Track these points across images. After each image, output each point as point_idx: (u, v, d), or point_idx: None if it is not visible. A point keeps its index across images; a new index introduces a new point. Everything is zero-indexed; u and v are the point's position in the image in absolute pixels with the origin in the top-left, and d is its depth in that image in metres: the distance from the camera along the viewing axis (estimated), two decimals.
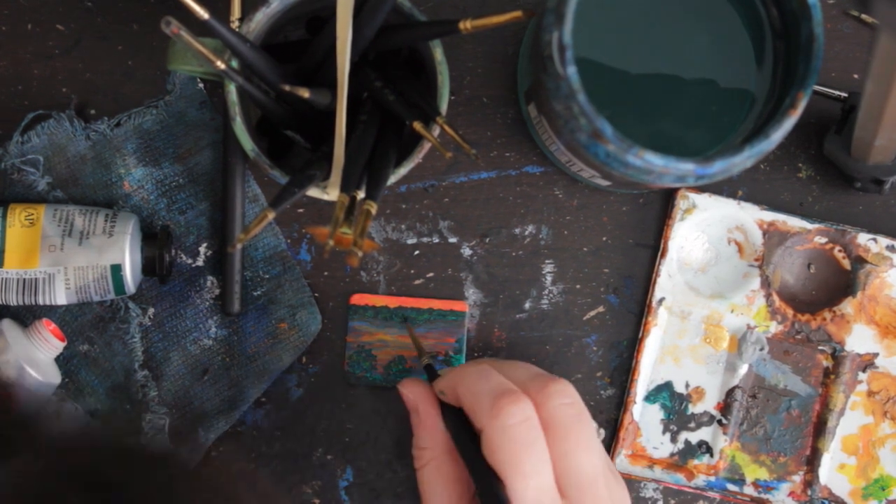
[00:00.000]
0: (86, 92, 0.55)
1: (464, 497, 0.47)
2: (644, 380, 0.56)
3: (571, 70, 0.43)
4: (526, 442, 0.44)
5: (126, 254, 0.51)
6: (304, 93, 0.44)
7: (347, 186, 0.44)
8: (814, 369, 0.56)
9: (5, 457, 0.32)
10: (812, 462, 0.56)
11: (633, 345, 0.56)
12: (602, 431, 0.47)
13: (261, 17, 0.47)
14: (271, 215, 0.42)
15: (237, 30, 0.49)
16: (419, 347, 0.53)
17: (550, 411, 0.45)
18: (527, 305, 0.56)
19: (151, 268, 0.52)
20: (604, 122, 0.43)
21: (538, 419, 0.44)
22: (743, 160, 0.44)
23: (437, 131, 0.47)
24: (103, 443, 0.40)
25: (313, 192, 0.47)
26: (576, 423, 0.45)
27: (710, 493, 0.56)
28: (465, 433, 0.47)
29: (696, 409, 0.56)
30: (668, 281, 0.55)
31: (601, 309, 0.56)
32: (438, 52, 0.47)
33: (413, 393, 0.50)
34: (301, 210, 0.56)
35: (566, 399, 0.45)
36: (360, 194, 0.46)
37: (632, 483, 0.56)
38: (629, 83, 0.47)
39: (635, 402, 0.55)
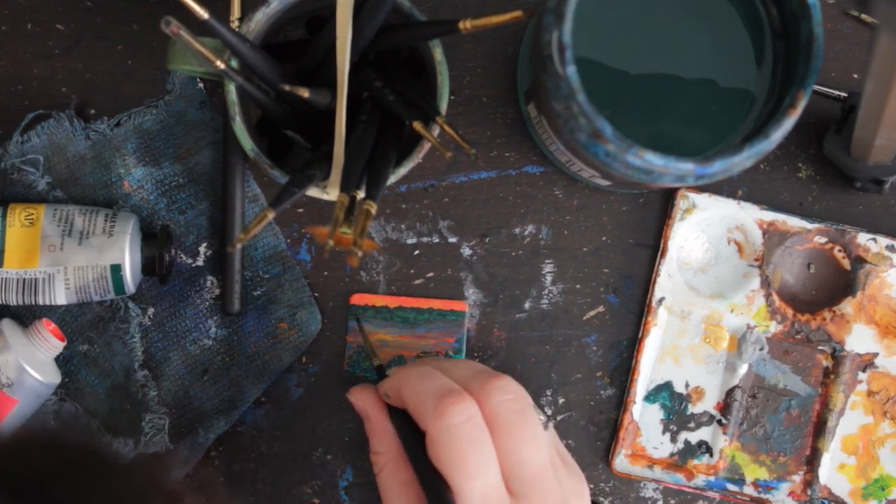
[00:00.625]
0: (86, 92, 0.55)
1: (422, 499, 0.47)
2: (644, 380, 0.56)
3: (571, 70, 0.43)
4: (470, 441, 0.43)
5: (126, 254, 0.51)
6: (304, 93, 0.44)
7: (347, 186, 0.44)
8: (814, 369, 0.56)
9: None
10: (812, 462, 0.56)
11: (632, 345, 0.56)
12: (549, 424, 0.47)
13: (261, 17, 0.47)
14: (271, 215, 0.42)
15: (237, 29, 0.49)
16: (370, 349, 0.53)
17: (493, 408, 0.44)
18: (527, 305, 0.56)
19: (151, 268, 0.52)
20: (604, 122, 0.43)
21: (482, 417, 0.44)
22: (743, 160, 0.44)
23: (436, 131, 0.47)
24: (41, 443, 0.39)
25: (313, 191, 0.47)
26: (519, 418, 0.45)
27: (710, 493, 0.56)
28: (411, 435, 0.47)
29: (695, 408, 0.56)
30: (668, 281, 0.55)
31: (601, 309, 0.56)
32: (438, 52, 0.47)
33: (361, 399, 0.50)
34: (301, 210, 0.56)
35: (508, 395, 0.45)
36: (360, 194, 0.46)
37: (631, 483, 0.56)
38: (629, 83, 0.47)
39: (635, 402, 0.55)
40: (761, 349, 0.55)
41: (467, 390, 0.45)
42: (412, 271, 0.56)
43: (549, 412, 0.56)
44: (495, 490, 0.44)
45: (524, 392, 0.46)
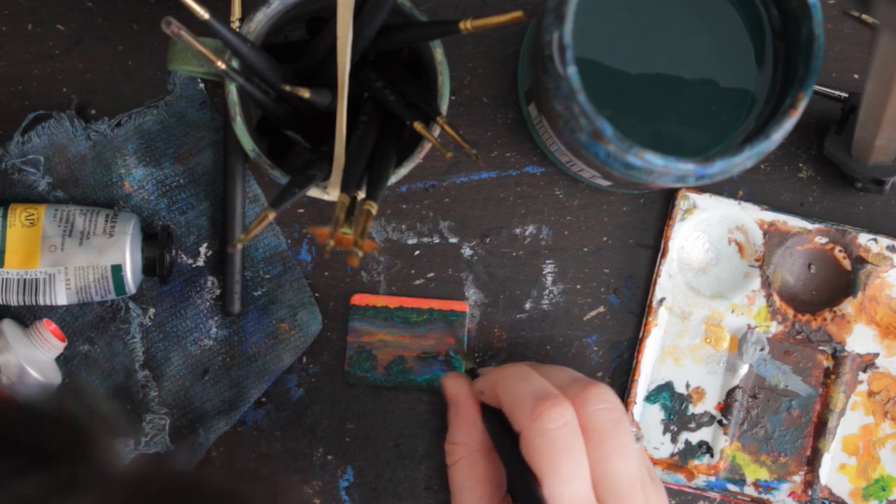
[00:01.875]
0: (86, 92, 0.55)
1: (494, 497, 0.47)
2: (644, 380, 0.56)
3: (571, 70, 0.43)
4: (565, 446, 0.43)
5: (126, 254, 0.51)
6: (305, 93, 0.44)
7: (348, 186, 0.44)
8: (814, 369, 0.56)
9: (73, 492, 0.30)
10: (812, 462, 0.56)
11: (633, 345, 0.56)
12: (641, 438, 0.47)
13: (261, 17, 0.47)
14: (272, 215, 0.42)
15: (237, 30, 0.49)
16: (463, 351, 0.54)
17: (589, 416, 0.45)
18: (527, 305, 0.56)
19: (152, 268, 0.52)
20: (604, 122, 0.43)
21: (578, 424, 0.44)
22: (743, 160, 0.44)
23: (437, 131, 0.47)
24: (171, 478, 0.39)
25: (314, 192, 0.47)
26: (614, 428, 0.45)
27: (711, 494, 0.56)
28: (504, 433, 0.47)
29: (696, 409, 0.56)
30: (669, 281, 0.55)
31: (601, 309, 0.56)
32: (439, 53, 0.47)
33: (455, 387, 0.49)
34: (301, 210, 0.56)
35: (605, 404, 0.45)
36: (361, 194, 0.46)
37: None
38: (629, 83, 0.47)
39: (636, 403, 0.55)
40: (762, 349, 0.55)
41: (564, 395, 0.45)
42: (413, 271, 0.56)
43: None
44: (585, 498, 0.44)
45: (620, 402, 0.46)
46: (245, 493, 0.35)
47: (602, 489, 0.44)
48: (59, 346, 0.52)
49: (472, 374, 0.51)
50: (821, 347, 0.56)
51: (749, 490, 0.56)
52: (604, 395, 0.45)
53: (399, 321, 0.55)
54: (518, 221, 0.56)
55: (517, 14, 0.42)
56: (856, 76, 0.56)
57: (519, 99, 0.55)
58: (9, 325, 0.51)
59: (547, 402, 0.44)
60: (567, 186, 0.56)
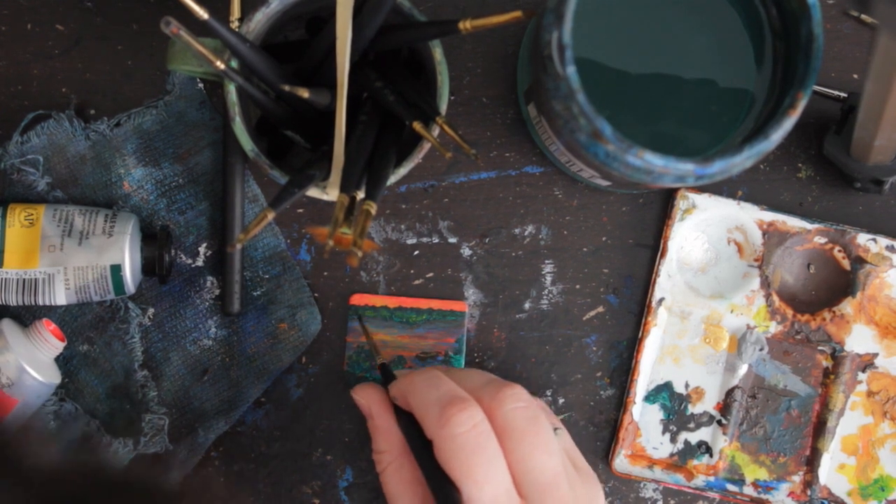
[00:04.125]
0: (86, 92, 0.55)
1: (428, 498, 0.47)
2: (644, 380, 0.56)
3: (571, 70, 0.43)
4: (476, 448, 0.43)
5: (126, 254, 0.51)
6: (304, 93, 0.44)
7: (347, 186, 0.44)
8: (813, 369, 0.56)
9: None
10: (812, 462, 0.56)
11: (632, 345, 0.56)
12: (563, 430, 0.47)
13: (260, 17, 0.47)
14: (271, 215, 0.42)
15: (237, 30, 0.49)
16: (374, 348, 0.53)
17: (504, 416, 0.44)
18: (526, 305, 0.56)
19: (151, 268, 0.52)
20: (603, 122, 0.43)
21: (489, 425, 0.44)
22: (742, 160, 0.44)
23: (436, 131, 0.47)
24: (91, 473, 0.39)
25: (313, 192, 0.47)
26: (530, 425, 0.44)
27: (710, 494, 0.56)
28: (418, 439, 0.46)
29: (695, 409, 0.56)
30: (668, 281, 0.55)
31: (601, 309, 0.56)
32: (438, 52, 0.47)
33: (365, 398, 0.49)
34: (301, 210, 0.56)
35: (519, 403, 0.45)
36: (360, 194, 0.46)
37: (631, 483, 0.56)
38: (629, 83, 0.47)
39: (635, 403, 0.55)
40: (761, 349, 0.55)
41: (477, 399, 0.45)
42: (412, 271, 0.56)
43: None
44: (506, 496, 0.43)
45: (535, 399, 0.46)
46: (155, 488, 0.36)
47: (525, 486, 0.44)
48: (58, 346, 0.52)
49: (386, 371, 0.51)
50: (820, 347, 0.56)
51: (748, 490, 0.56)
52: (518, 395, 0.45)
53: (398, 321, 0.55)
54: (517, 221, 0.56)
55: (517, 14, 0.42)
56: (855, 76, 0.56)
57: (518, 99, 0.55)
58: (8, 325, 0.51)
59: (454, 406, 0.44)
60: (566, 186, 0.56)
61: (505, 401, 0.45)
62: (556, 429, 0.46)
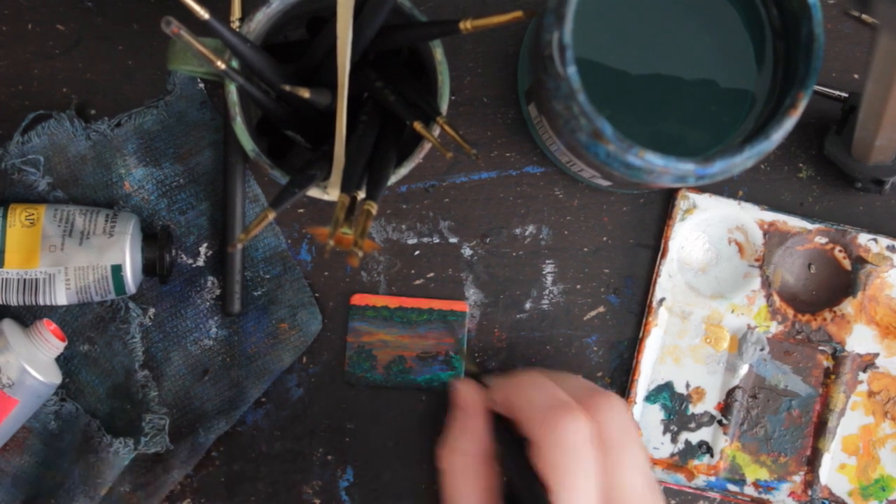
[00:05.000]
0: (86, 92, 0.55)
1: None
2: (644, 380, 0.56)
3: (571, 70, 0.43)
4: (577, 455, 0.43)
5: (126, 254, 0.51)
6: (305, 93, 0.44)
7: (348, 186, 0.44)
8: (814, 369, 0.56)
9: None
10: (812, 462, 0.56)
11: (633, 345, 0.56)
12: (650, 448, 0.47)
13: (261, 17, 0.47)
14: (272, 215, 0.42)
15: (237, 30, 0.49)
16: (465, 354, 0.54)
17: (601, 426, 0.44)
18: (527, 305, 0.56)
19: (152, 268, 0.52)
20: (604, 122, 0.43)
21: (591, 433, 0.44)
22: (743, 160, 0.44)
23: (437, 131, 0.47)
24: None
25: (314, 192, 0.47)
26: (626, 439, 0.45)
27: (711, 494, 0.56)
28: (512, 441, 0.46)
29: (696, 409, 0.56)
30: (669, 281, 0.55)
31: (601, 309, 0.56)
32: (439, 53, 0.47)
33: (468, 394, 0.49)
34: (301, 210, 0.56)
35: (617, 415, 0.45)
36: (361, 194, 0.46)
37: None
38: (629, 83, 0.47)
39: (636, 403, 0.55)
40: (762, 349, 0.55)
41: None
42: (413, 271, 0.56)
43: None
44: None
45: (630, 411, 0.46)
46: None
47: (613, 499, 0.44)
48: (59, 346, 0.52)
49: (476, 378, 0.51)
50: (821, 347, 0.56)
51: (749, 490, 0.56)
52: (616, 406, 0.45)
53: (399, 321, 0.55)
54: (518, 221, 0.56)
55: (517, 14, 0.42)
56: (856, 76, 0.56)
57: (519, 99, 0.55)
58: (9, 325, 0.51)
59: (562, 410, 0.44)
60: (567, 186, 0.56)
61: (603, 410, 0.45)
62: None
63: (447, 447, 0.48)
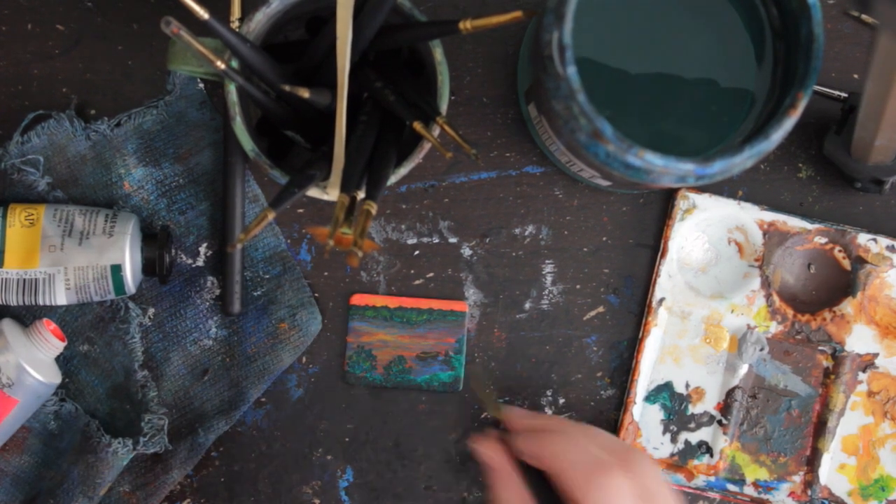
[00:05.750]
0: (86, 92, 0.55)
1: None
2: (644, 380, 0.56)
3: (571, 70, 0.43)
4: None
5: (126, 254, 0.51)
6: (304, 93, 0.44)
7: (347, 186, 0.44)
8: (814, 369, 0.56)
9: None
10: (812, 462, 0.56)
11: (633, 345, 0.56)
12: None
13: (261, 17, 0.47)
14: (271, 215, 0.42)
15: (237, 30, 0.49)
16: (489, 400, 0.54)
17: (640, 484, 0.45)
18: (527, 305, 0.56)
19: (151, 268, 0.52)
20: (604, 122, 0.43)
21: (632, 492, 0.45)
22: (743, 160, 0.44)
23: (437, 131, 0.47)
24: None
25: (313, 192, 0.47)
26: (665, 496, 0.45)
27: (711, 494, 0.56)
28: (550, 496, 0.47)
29: (696, 409, 0.56)
30: (669, 281, 0.55)
31: (601, 309, 0.56)
32: (438, 53, 0.47)
33: (491, 452, 0.50)
34: (301, 210, 0.56)
35: (653, 471, 0.46)
36: (360, 194, 0.46)
37: None
38: (629, 83, 0.47)
39: (635, 403, 0.55)
40: (761, 349, 0.55)
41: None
42: (412, 271, 0.56)
43: (549, 413, 0.56)
44: None
45: (659, 468, 0.47)
46: None
47: None
48: (58, 346, 0.52)
49: (496, 424, 0.51)
50: (820, 347, 0.56)
51: (749, 490, 0.56)
52: (650, 463, 0.46)
53: (399, 321, 0.55)
54: (518, 221, 0.56)
55: (517, 14, 0.42)
56: (855, 76, 0.56)
57: (519, 99, 0.55)
58: (8, 325, 0.51)
59: (602, 470, 0.45)
60: (567, 186, 0.56)
61: (640, 467, 0.46)
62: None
63: (490, 501, 0.49)
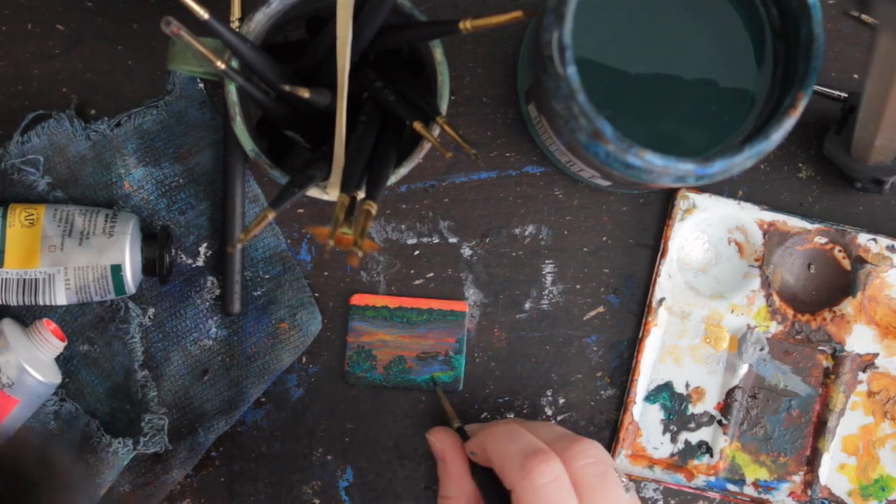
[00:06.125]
0: (86, 92, 0.55)
1: None
2: (644, 380, 0.56)
3: (571, 70, 0.43)
4: (557, 501, 0.44)
5: (126, 254, 0.51)
6: (304, 93, 0.44)
7: (347, 186, 0.44)
8: (814, 369, 0.56)
9: None
10: (812, 462, 0.56)
11: (633, 345, 0.56)
12: (631, 487, 0.47)
13: (261, 17, 0.47)
14: (271, 215, 0.42)
15: (237, 30, 0.49)
16: (449, 413, 0.54)
17: (577, 471, 0.45)
18: (527, 305, 0.56)
19: (151, 268, 0.52)
20: (604, 122, 0.43)
21: (568, 478, 0.45)
22: (743, 160, 0.44)
23: (437, 131, 0.47)
24: None
25: (313, 192, 0.47)
26: (602, 482, 0.45)
27: (710, 494, 0.56)
28: (495, 492, 0.47)
29: (696, 409, 0.56)
30: (669, 281, 0.55)
31: (601, 309, 0.56)
32: (438, 52, 0.47)
33: (441, 442, 0.50)
34: (301, 210, 0.56)
35: (591, 458, 0.46)
36: (361, 194, 0.46)
37: (631, 483, 0.56)
38: (629, 83, 0.47)
39: (635, 403, 0.55)
40: (761, 349, 0.55)
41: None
42: (412, 271, 0.56)
43: (549, 412, 0.56)
44: None
45: (607, 455, 0.47)
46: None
47: None
48: (58, 346, 0.52)
49: (462, 433, 0.52)
50: (820, 347, 0.56)
51: (749, 490, 0.56)
52: (590, 451, 0.46)
53: (399, 321, 0.55)
54: (518, 221, 0.56)
55: (517, 14, 0.42)
56: (855, 76, 0.56)
57: (519, 99, 0.55)
58: (8, 325, 0.51)
59: (537, 458, 0.44)
60: (567, 186, 0.56)
61: (577, 456, 0.45)
62: (625, 487, 0.47)
63: (440, 496, 0.50)
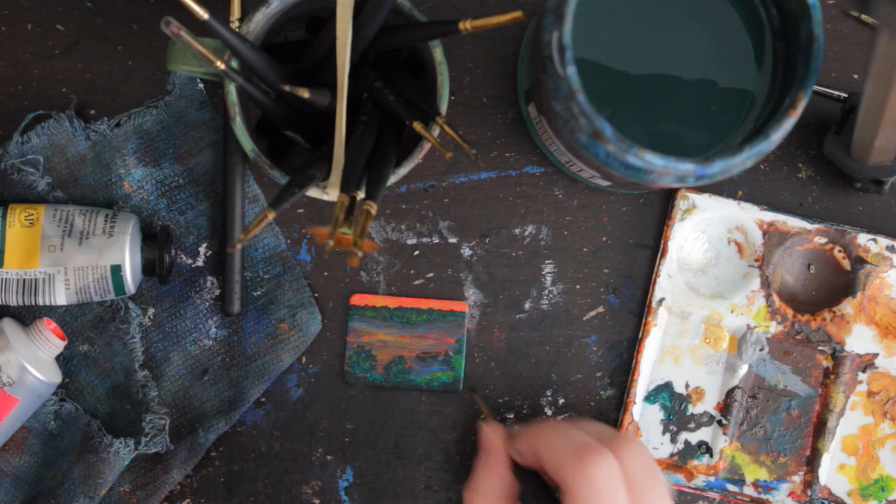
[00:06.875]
0: (86, 92, 0.55)
1: None
2: (644, 380, 0.56)
3: (571, 70, 0.43)
4: (610, 495, 0.44)
5: (126, 254, 0.51)
6: (304, 93, 0.44)
7: (347, 186, 0.44)
8: (814, 370, 0.56)
9: None
10: (812, 462, 0.56)
11: (632, 345, 0.56)
12: (672, 489, 0.48)
13: (261, 17, 0.47)
14: (271, 215, 0.42)
15: (237, 30, 0.49)
16: (487, 416, 0.54)
17: (627, 467, 0.45)
18: (527, 306, 0.56)
19: (151, 268, 0.52)
20: (604, 122, 0.43)
21: (621, 473, 0.45)
22: (743, 160, 0.44)
23: (437, 131, 0.47)
24: None
25: (313, 192, 0.47)
26: (652, 480, 0.46)
27: (710, 494, 0.56)
28: (542, 492, 0.48)
29: (695, 409, 0.56)
30: (668, 281, 0.55)
31: (601, 309, 0.56)
32: (438, 53, 0.47)
33: (492, 436, 0.51)
34: (301, 210, 0.56)
35: (642, 456, 0.46)
36: (360, 194, 0.46)
37: None
38: (629, 83, 0.47)
39: (635, 403, 0.55)
40: (761, 350, 0.55)
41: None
42: (412, 272, 0.56)
43: (549, 413, 0.56)
44: None
45: (652, 456, 0.47)
46: None
47: None
48: (59, 345, 0.52)
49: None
50: (820, 347, 0.56)
51: (748, 490, 0.56)
52: (639, 447, 0.47)
53: (399, 321, 0.55)
54: (517, 221, 0.56)
55: (517, 14, 0.42)
56: (855, 76, 0.56)
57: (518, 99, 0.55)
58: (9, 324, 0.51)
59: (591, 452, 0.45)
60: (566, 186, 0.56)
61: (629, 453, 0.46)
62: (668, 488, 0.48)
63: (472, 489, 0.50)
